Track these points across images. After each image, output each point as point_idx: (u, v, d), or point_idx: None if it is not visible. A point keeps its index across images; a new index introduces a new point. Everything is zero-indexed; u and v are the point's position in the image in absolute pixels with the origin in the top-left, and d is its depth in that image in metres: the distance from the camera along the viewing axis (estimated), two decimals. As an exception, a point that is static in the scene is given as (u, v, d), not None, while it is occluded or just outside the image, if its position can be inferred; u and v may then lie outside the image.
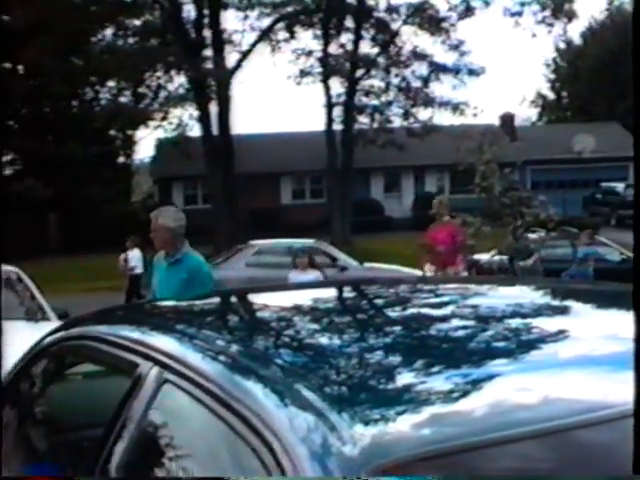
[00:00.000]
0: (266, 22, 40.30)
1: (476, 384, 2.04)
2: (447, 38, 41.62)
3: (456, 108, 41.47)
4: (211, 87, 37.63)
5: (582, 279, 16.94)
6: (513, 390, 2.02)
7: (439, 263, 13.64)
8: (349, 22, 41.04)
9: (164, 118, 41.84)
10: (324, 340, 2.72)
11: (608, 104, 58.86)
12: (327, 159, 41.15)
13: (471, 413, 1.89)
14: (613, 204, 43.44)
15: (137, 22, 40.41)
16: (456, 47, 41.84)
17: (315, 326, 2.98)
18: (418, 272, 15.37)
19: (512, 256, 16.91)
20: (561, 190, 44.87)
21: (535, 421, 1.83)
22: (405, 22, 41.32)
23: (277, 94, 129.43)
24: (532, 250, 17.74)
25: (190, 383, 2.25)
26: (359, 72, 40.92)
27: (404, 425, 1.83)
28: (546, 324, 2.73)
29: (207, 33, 38.49)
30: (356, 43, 40.69)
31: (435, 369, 2.21)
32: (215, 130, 37.93)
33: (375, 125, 41.98)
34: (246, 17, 40.22)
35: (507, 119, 54.79)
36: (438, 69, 41.93)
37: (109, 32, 41.06)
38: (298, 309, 3.32)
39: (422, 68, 42.11)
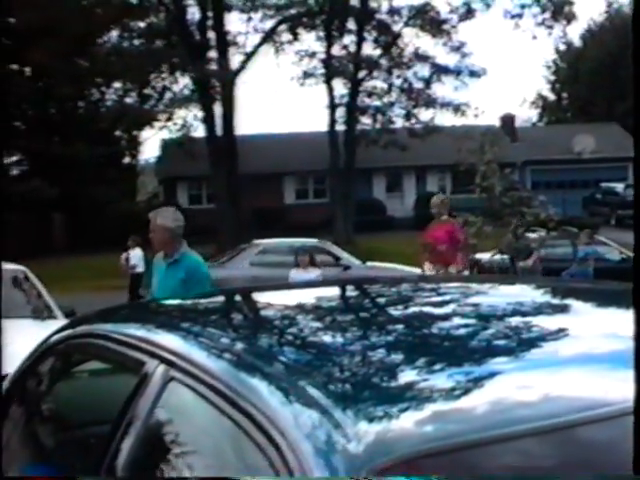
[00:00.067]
0: (270, 24, 40.41)
1: (478, 382, 2.04)
2: (448, 40, 41.69)
3: (457, 109, 41.51)
4: (215, 88, 37.66)
5: (582, 278, 16.94)
6: (514, 388, 2.02)
7: (438, 261, 13.61)
8: (352, 24, 41.08)
9: (169, 119, 41.91)
10: (327, 338, 2.71)
11: (608, 105, 58.86)
12: (330, 159, 41.18)
13: (473, 410, 1.89)
14: (612, 204, 43.42)
15: (142, 24, 40.49)
16: (457, 49, 41.89)
17: (318, 324, 2.97)
18: (418, 271, 15.33)
19: (513, 256, 16.89)
20: (561, 190, 44.87)
21: (536, 418, 1.83)
22: (407, 24, 41.36)
23: (280, 95, 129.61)
24: (532, 250, 17.73)
25: (196, 381, 2.25)
26: (362, 73, 40.95)
27: (407, 422, 1.83)
28: (547, 322, 2.73)
29: (211, 35, 38.54)
30: (359, 45, 40.72)
31: (437, 367, 2.21)
32: (219, 131, 37.95)
33: (377, 126, 42.01)
34: (250, 19, 40.31)
35: (507, 120, 54.80)
36: (440, 70, 41.97)
37: (115, 34, 41.21)
38: (302, 308, 3.32)
39: (424, 69, 42.25)
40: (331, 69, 40.70)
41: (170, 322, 3.18)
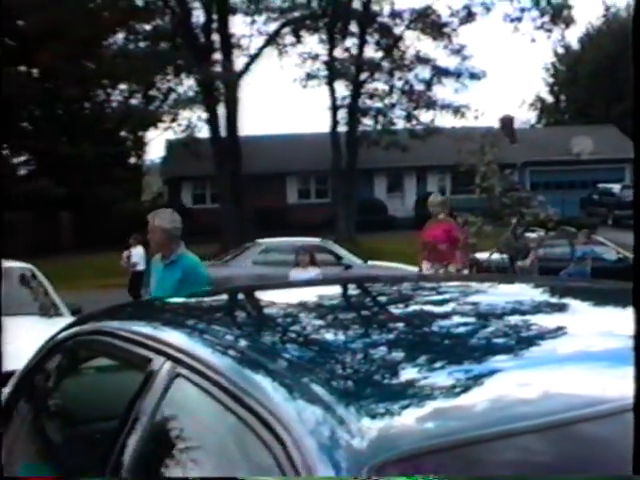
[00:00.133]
0: (273, 27, 40.42)
1: (478, 379, 2.04)
2: (449, 43, 41.69)
3: (457, 111, 41.50)
4: (219, 90, 37.65)
5: (580, 277, 16.93)
6: (514, 385, 2.02)
7: (437, 260, 13.60)
8: (354, 27, 41.09)
9: (174, 120, 41.90)
10: (330, 336, 2.72)
11: (605, 107, 58.86)
12: (332, 160, 41.18)
13: (474, 408, 1.89)
14: (610, 205, 43.42)
15: (148, 27, 40.48)
16: (458, 51, 41.88)
17: (321, 322, 2.98)
18: (416, 270, 15.31)
19: (511, 255, 16.88)
20: (559, 191, 44.81)
21: (535, 415, 1.83)
22: (408, 27, 41.35)
23: (283, 97, 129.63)
24: (529, 249, 17.72)
25: (202, 377, 2.25)
26: (363, 75, 40.97)
27: (409, 419, 1.83)
28: (545, 321, 2.73)
29: (216, 37, 38.54)
30: (361, 47, 40.72)
31: (438, 365, 2.21)
32: (223, 132, 37.96)
33: (379, 127, 41.98)
34: (254, 22, 40.32)
35: (507, 122, 54.79)
36: (440, 73, 41.95)
37: (121, 36, 41.21)
38: (304, 306, 3.33)
39: (425, 72, 42.23)
40: (333, 71, 40.71)
41: (176, 320, 3.18)
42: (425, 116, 42.52)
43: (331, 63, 40.80)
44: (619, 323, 2.64)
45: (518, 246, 16.98)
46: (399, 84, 42.26)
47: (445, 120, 42.97)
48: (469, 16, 40.97)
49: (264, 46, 39.86)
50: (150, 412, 2.45)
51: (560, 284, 4.43)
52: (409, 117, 42.48)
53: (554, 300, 3.37)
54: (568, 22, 40.49)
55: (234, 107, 37.82)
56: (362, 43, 40.67)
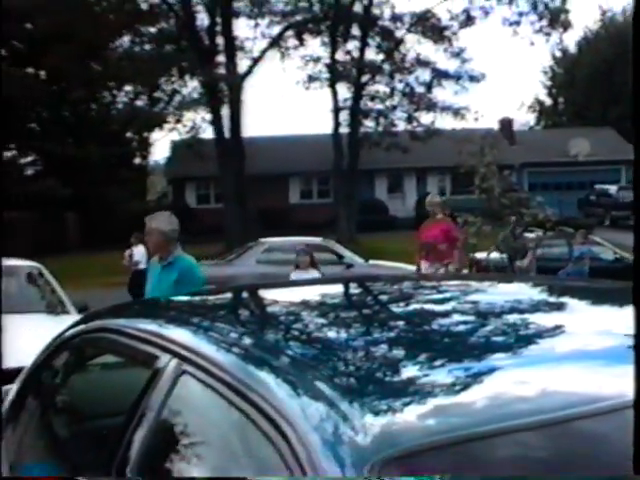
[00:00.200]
0: (276, 30, 40.39)
1: (478, 377, 2.04)
2: (449, 46, 41.66)
3: (457, 113, 41.48)
4: (223, 92, 37.63)
5: (578, 277, 16.93)
6: (513, 383, 2.02)
7: (434, 260, 13.59)
8: (355, 30, 41.06)
9: (178, 121, 41.85)
10: (332, 334, 2.73)
11: (602, 110, 58.84)
12: (334, 161, 41.17)
13: (475, 405, 1.90)
14: (607, 205, 43.42)
15: (153, 29, 40.47)
16: (457, 54, 41.85)
17: (324, 321, 2.98)
18: (413, 268, 15.28)
19: (510, 255, 16.87)
20: (557, 192, 44.76)
21: (534, 413, 1.84)
22: (409, 30, 41.35)
23: (286, 98, 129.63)
24: (527, 250, 17.69)
25: (207, 374, 2.26)
26: (365, 78, 40.95)
27: (412, 416, 1.84)
28: (544, 320, 2.74)
29: (220, 40, 38.51)
30: (362, 50, 40.71)
31: (439, 362, 2.21)
32: (227, 133, 37.94)
33: (380, 129, 41.94)
34: (257, 25, 40.29)
35: (506, 123, 54.75)
36: (440, 75, 41.93)
37: (126, 39, 41.16)
38: (307, 304, 3.33)
39: (425, 74, 42.19)
40: (335, 73, 40.69)
41: (182, 317, 3.19)
42: (425, 118, 42.54)
43: (333, 66, 40.78)
44: (616, 322, 2.65)
45: (517, 246, 16.96)
46: (400, 86, 42.26)
47: (445, 122, 42.98)
48: (468, 20, 40.96)
49: (267, 49, 39.85)
50: (157, 408, 2.46)
51: (558, 283, 4.43)
52: (410, 119, 42.45)
53: (552, 299, 3.37)
54: (566, 26, 40.48)
55: (238, 109, 37.81)
56: (363, 46, 40.66)
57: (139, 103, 46.79)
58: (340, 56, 41.20)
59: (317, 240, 21.75)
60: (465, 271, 16.03)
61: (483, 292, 3.52)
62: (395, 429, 1.79)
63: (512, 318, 2.79)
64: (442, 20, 41.24)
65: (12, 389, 4.02)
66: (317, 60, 42.01)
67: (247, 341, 2.61)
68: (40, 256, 15.34)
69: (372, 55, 41.62)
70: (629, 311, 2.88)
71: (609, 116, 56.74)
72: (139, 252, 20.47)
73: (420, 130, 42.02)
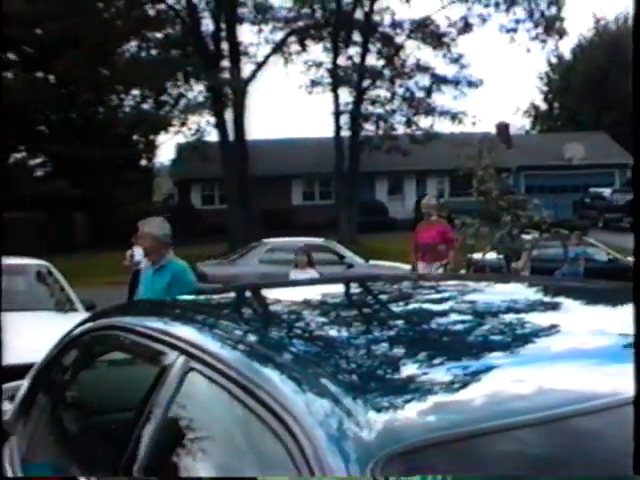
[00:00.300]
0: (279, 35, 40.38)
1: (477, 375, 2.05)
2: (448, 52, 41.65)
3: (455, 117, 41.44)
4: (228, 95, 37.62)
5: (573, 277, 16.92)
6: (511, 381, 2.03)
7: (432, 260, 13.58)
8: (356, 36, 41.06)
9: (183, 124, 41.78)
10: (334, 332, 2.73)
11: (596, 115, 58.79)
12: (335, 163, 41.16)
13: (475, 402, 1.90)
14: (600, 208, 43.37)
15: (159, 35, 40.44)
16: (456, 60, 41.84)
17: (326, 319, 2.99)
18: (408, 267, 15.26)
19: (507, 255, 16.85)
20: (553, 194, 44.77)
21: (532, 410, 1.84)
22: (409, 37, 41.33)
23: (289, 102, 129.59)
24: (522, 251, 17.68)
25: (214, 371, 2.26)
26: (366, 82, 40.93)
27: (414, 412, 1.84)
28: (540, 319, 2.74)
29: (224, 45, 38.50)
30: (363, 56, 40.70)
31: (439, 361, 2.22)
32: (231, 135, 37.93)
33: (380, 132, 41.93)
34: (261, 31, 40.29)
35: (503, 128, 54.65)
36: (439, 80, 41.91)
37: (133, 44, 41.12)
38: (310, 304, 3.34)
39: (425, 79, 42.15)
40: (337, 78, 40.69)
41: (188, 316, 3.18)
42: (425, 122, 42.50)
43: (335, 71, 40.77)
44: (610, 322, 2.65)
45: (514, 247, 16.95)
46: (400, 91, 42.22)
47: (443, 126, 42.97)
48: (467, 27, 40.97)
49: (270, 54, 39.85)
50: (165, 405, 2.46)
51: (554, 284, 4.43)
52: (409, 123, 42.42)
53: (548, 299, 3.37)
54: (561, 33, 40.52)
55: (241, 112, 37.82)
56: (364, 52, 40.65)
57: (145, 106, 46.76)
58: (342, 61, 41.24)
59: (319, 241, 21.80)
60: (463, 271, 16.03)
61: (481, 292, 3.52)
62: (398, 425, 1.79)
63: (509, 318, 2.79)
64: (441, 27, 41.31)
65: (23, 385, 4.02)
66: (319, 65, 42.03)
67: (253, 339, 2.62)
68: (49, 255, 15.35)
69: (373, 60, 41.67)
70: (623, 311, 2.89)
71: (603, 121, 56.73)
72: (140, 252, 20.44)
73: (419, 134, 42.02)
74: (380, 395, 1.94)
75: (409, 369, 2.12)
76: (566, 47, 79.32)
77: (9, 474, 3.46)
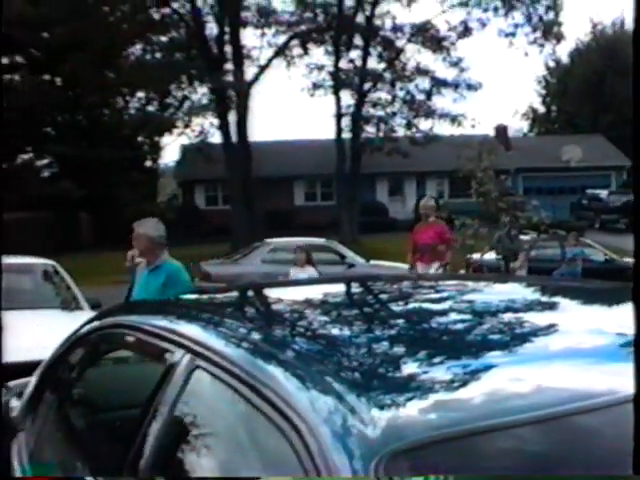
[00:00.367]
0: (282, 39, 40.36)
1: (478, 374, 2.05)
2: (447, 55, 41.66)
3: (455, 119, 41.43)
4: (231, 98, 37.61)
5: (571, 277, 16.93)
6: (510, 380, 2.03)
7: (430, 261, 13.56)
8: (358, 40, 41.04)
9: (188, 126, 41.81)
10: (336, 331, 2.73)
11: (593, 118, 58.78)
12: (337, 165, 41.14)
13: (477, 400, 1.90)
14: (597, 209, 43.37)
15: (164, 38, 40.45)
16: (456, 64, 41.84)
17: (328, 318, 2.99)
18: (406, 267, 15.24)
19: (506, 256, 16.86)
20: (550, 196, 44.74)
21: (530, 408, 1.84)
22: (409, 40, 41.33)
23: (291, 105, 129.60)
24: (520, 251, 17.68)
25: (220, 369, 2.26)
26: (367, 85, 40.92)
27: (416, 410, 1.84)
28: (538, 319, 2.74)
29: (228, 49, 38.47)
30: (364, 59, 40.69)
31: (440, 359, 2.22)
32: (234, 137, 37.90)
33: (381, 134, 41.91)
34: (263, 34, 40.28)
35: (501, 130, 54.59)
36: (439, 84, 41.90)
37: (138, 47, 41.14)
38: (312, 303, 3.34)
39: (425, 82, 42.14)
40: (338, 81, 40.67)
41: (194, 314, 3.18)
42: (425, 124, 42.49)
43: (336, 74, 40.77)
44: (608, 321, 2.65)
45: (512, 247, 16.95)
46: (400, 94, 42.21)
47: (443, 128, 42.97)
48: (466, 31, 40.99)
49: (273, 57, 39.84)
50: (171, 402, 2.45)
51: (552, 284, 4.43)
52: (409, 125, 42.41)
53: (546, 299, 3.37)
54: (559, 38, 40.54)
55: (245, 114, 37.80)
56: (366, 55, 40.65)
57: (150, 109, 46.83)
58: (343, 64, 41.20)
59: (320, 241, 21.82)
60: (462, 271, 16.02)
61: (480, 292, 3.52)
62: (402, 423, 1.80)
63: (508, 317, 2.79)
64: (441, 31, 41.33)
65: (31, 382, 4.03)
66: (321, 68, 42.04)
67: (259, 337, 2.62)
68: (55, 254, 15.36)
69: (374, 64, 41.65)
70: (620, 310, 2.90)
71: (599, 124, 56.70)
72: None
73: (419, 136, 42.01)
74: (383, 393, 1.94)
75: (410, 367, 2.13)
76: (564, 51, 79.18)
77: (17, 470, 3.46)
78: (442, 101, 42.18)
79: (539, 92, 71.66)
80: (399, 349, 2.38)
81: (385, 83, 41.90)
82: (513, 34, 40.24)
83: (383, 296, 3.64)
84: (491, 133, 50.87)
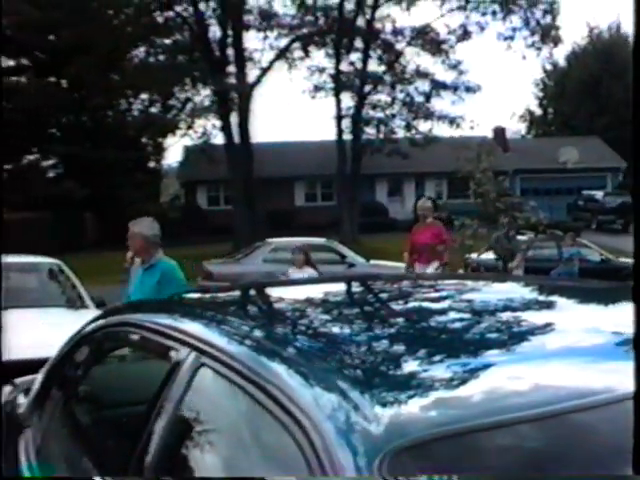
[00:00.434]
0: (283, 42, 40.38)
1: (477, 372, 2.05)
2: (447, 58, 41.66)
3: (453, 121, 41.45)
4: (233, 100, 37.61)
5: (568, 277, 16.93)
6: (510, 378, 2.03)
7: (429, 261, 13.55)
8: (358, 43, 41.05)
9: (190, 127, 41.80)
10: (338, 329, 2.73)
11: (589, 120, 58.75)
12: (337, 166, 41.14)
13: (478, 398, 1.90)
14: (593, 210, 43.40)
15: (167, 41, 40.44)
16: (455, 67, 41.85)
17: (330, 317, 2.99)
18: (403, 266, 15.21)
19: (505, 256, 16.86)
20: (547, 197, 44.78)
21: (530, 406, 1.84)
22: (409, 43, 41.34)
23: (293, 106, 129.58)
24: (517, 251, 17.68)
25: (225, 367, 2.26)
26: (367, 88, 40.94)
27: (419, 407, 1.84)
28: (536, 318, 2.74)
29: (230, 51, 38.47)
30: (365, 62, 40.69)
31: (440, 358, 2.22)
32: (236, 138, 37.91)
33: (381, 136, 41.92)
34: (266, 37, 40.29)
35: (499, 132, 54.57)
36: (438, 86, 41.91)
37: (142, 50, 41.13)
38: (314, 301, 3.34)
39: (424, 85, 42.15)
40: (339, 83, 40.71)
41: (199, 313, 3.18)
42: (424, 126, 42.49)
43: (337, 76, 40.79)
44: (604, 320, 2.65)
45: (510, 248, 16.96)
46: (400, 96, 42.22)
47: (442, 130, 43.00)
48: (465, 34, 41.01)
49: (275, 60, 39.84)
50: (176, 399, 2.45)
51: (549, 283, 4.43)
52: (409, 127, 42.41)
53: (544, 298, 3.37)
54: (556, 41, 40.55)
55: (247, 116, 37.82)
56: (366, 58, 40.65)
57: (154, 110, 46.79)
58: (344, 67, 41.23)
59: (321, 240, 21.85)
60: (460, 271, 16.02)
61: (478, 291, 3.52)
62: (404, 419, 1.80)
63: (506, 316, 2.79)
64: (440, 34, 41.35)
65: (37, 379, 4.04)
66: (322, 71, 42.10)
67: (264, 335, 2.62)
68: (60, 253, 15.37)
69: (374, 66, 41.66)
70: (616, 309, 2.91)
71: (595, 126, 56.69)
72: None
73: (419, 137, 42.01)
74: (385, 390, 1.94)
75: (411, 365, 2.13)
76: (561, 54, 79.23)
77: (24, 465, 3.47)
78: (441, 103, 42.24)
79: (536, 95, 71.72)
80: (400, 347, 2.39)
81: (385, 85, 41.92)
82: (511, 37, 40.33)
83: (383, 295, 3.64)
84: (489, 135, 50.92)
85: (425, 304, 3.24)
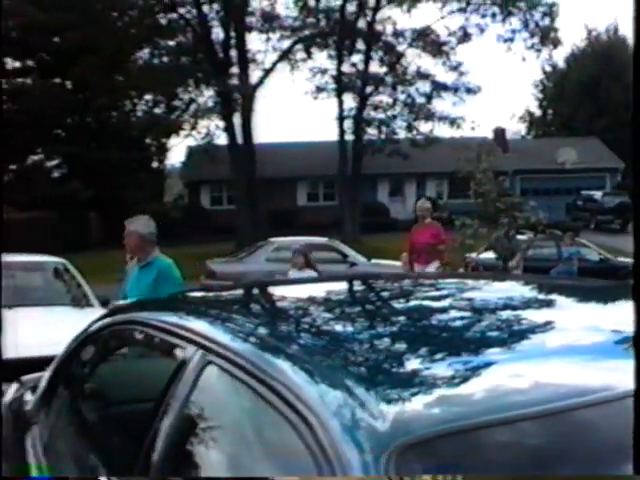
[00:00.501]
0: (286, 43, 40.38)
1: (479, 370, 2.05)
2: (447, 60, 41.69)
3: (454, 122, 41.45)
4: (236, 101, 37.61)
5: (568, 276, 16.93)
6: (511, 376, 2.03)
7: (428, 261, 13.55)
8: (360, 44, 41.07)
9: (194, 128, 41.77)
10: (341, 327, 2.74)
11: (588, 121, 58.72)
12: (339, 166, 41.16)
13: (479, 396, 1.90)
14: (592, 210, 43.37)
15: (171, 43, 40.47)
16: (455, 68, 41.86)
17: (333, 315, 2.99)
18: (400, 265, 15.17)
19: (505, 255, 16.86)
20: (547, 197, 44.75)
21: (531, 404, 1.84)
22: (410, 45, 41.37)
23: (295, 107, 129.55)
24: (517, 250, 17.69)
25: (232, 365, 2.26)
26: (369, 89, 40.94)
27: (423, 405, 1.85)
28: (536, 316, 2.74)
29: (233, 53, 38.50)
30: (366, 63, 40.69)
31: (442, 356, 2.22)
32: (239, 139, 37.93)
33: (382, 136, 41.93)
34: (268, 39, 40.31)
35: (499, 133, 54.52)
36: (439, 87, 41.92)
37: (146, 52, 41.15)
38: (317, 300, 3.34)
39: (425, 86, 42.17)
40: (341, 84, 40.73)
41: (205, 311, 3.18)
42: (425, 127, 42.51)
43: (339, 77, 40.82)
44: (604, 318, 2.66)
45: (510, 247, 16.96)
46: (401, 97, 42.25)
47: (443, 131, 43.02)
48: (465, 36, 41.02)
49: (277, 61, 39.85)
50: (183, 397, 2.46)
51: (549, 282, 4.43)
52: (410, 127, 42.41)
53: (544, 297, 3.37)
54: (555, 43, 40.55)
55: (249, 117, 37.83)
56: (367, 59, 40.65)
57: (157, 111, 46.76)
58: (346, 68, 41.26)
59: (323, 240, 21.89)
60: (460, 270, 16.02)
61: (479, 290, 3.52)
62: (409, 416, 1.80)
63: (506, 315, 2.79)
64: (441, 36, 41.37)
65: (44, 377, 4.05)
66: (324, 72, 42.12)
67: (269, 333, 2.63)
68: (65, 253, 15.37)
69: (376, 68, 41.67)
70: (615, 308, 2.91)
71: (594, 127, 56.65)
72: None
73: (420, 138, 42.01)
74: (390, 387, 1.95)
75: (414, 363, 2.13)
76: (560, 56, 78.92)
77: (32, 461, 3.48)
78: (442, 104, 42.06)
79: (536, 96, 71.68)
80: (402, 345, 2.39)
81: (386, 86, 41.93)
82: (511, 39, 40.37)
83: (385, 294, 3.64)
84: (490, 135, 50.88)
85: (426, 302, 3.24)
